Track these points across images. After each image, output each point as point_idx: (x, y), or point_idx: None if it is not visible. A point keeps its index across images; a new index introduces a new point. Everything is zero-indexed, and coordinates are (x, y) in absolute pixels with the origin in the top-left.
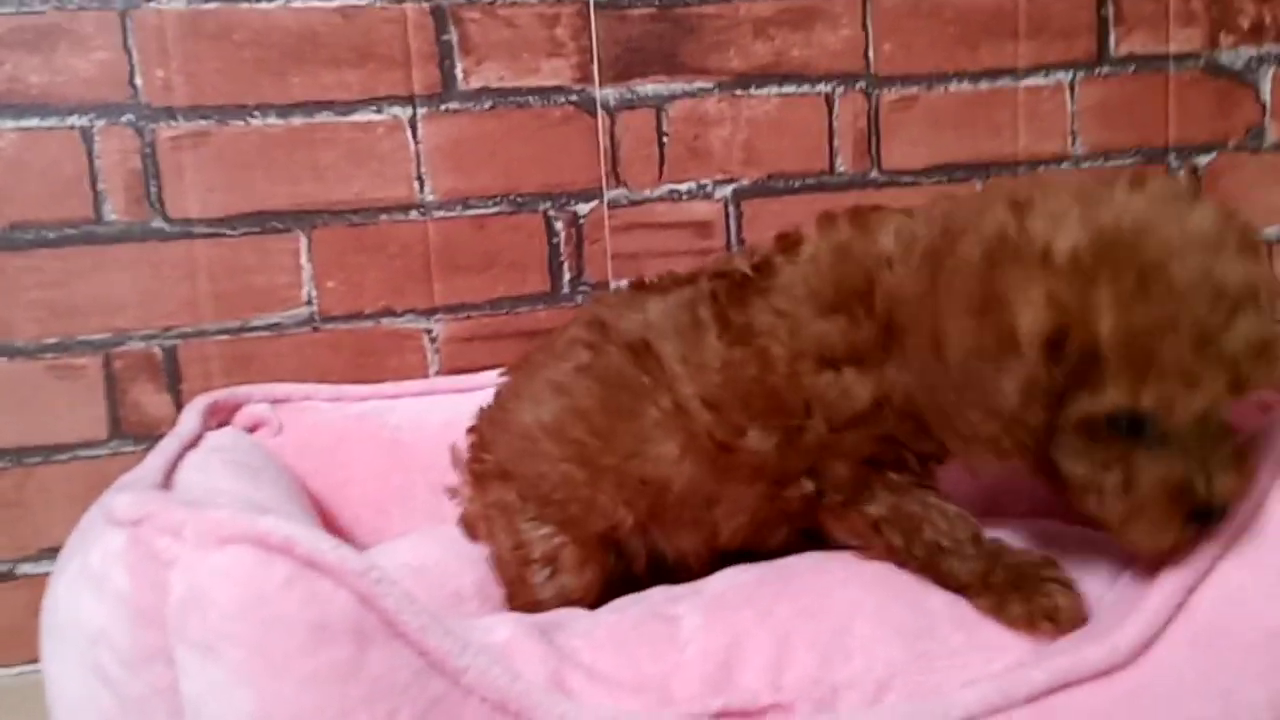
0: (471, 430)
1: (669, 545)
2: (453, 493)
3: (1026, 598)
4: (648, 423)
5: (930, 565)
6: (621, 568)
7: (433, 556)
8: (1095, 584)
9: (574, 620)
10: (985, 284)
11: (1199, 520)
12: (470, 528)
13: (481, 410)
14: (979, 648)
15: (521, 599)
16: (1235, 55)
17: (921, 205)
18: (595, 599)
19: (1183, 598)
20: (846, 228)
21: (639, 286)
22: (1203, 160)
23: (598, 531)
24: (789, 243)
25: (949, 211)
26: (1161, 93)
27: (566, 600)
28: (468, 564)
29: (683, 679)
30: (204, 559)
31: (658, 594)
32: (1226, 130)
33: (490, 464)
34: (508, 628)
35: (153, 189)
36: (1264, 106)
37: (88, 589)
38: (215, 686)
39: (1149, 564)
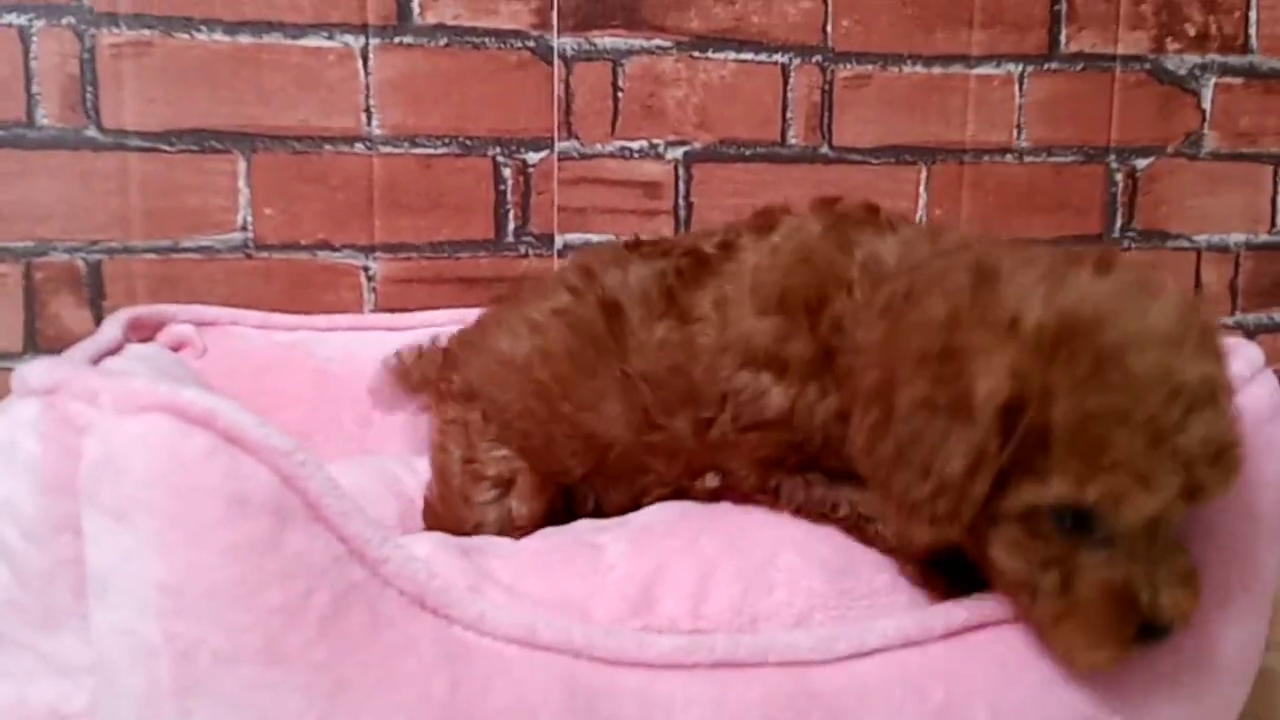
0: (444, 350)
1: (605, 500)
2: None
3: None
4: (604, 381)
5: (856, 529)
6: (567, 510)
7: (357, 483)
8: None
9: (495, 545)
10: (946, 340)
11: (1143, 638)
12: None
13: (457, 333)
14: (902, 589)
15: (454, 515)
16: (1180, 62)
17: (905, 227)
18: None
19: None
20: (819, 231)
21: (632, 246)
22: (1141, 163)
23: (551, 470)
24: (764, 222)
25: (921, 263)
26: (1106, 93)
27: (507, 526)
28: (391, 494)
29: (604, 600)
30: (120, 425)
31: (582, 525)
32: (1166, 135)
33: (456, 384)
34: (428, 544)
35: (89, 96)
36: (1204, 114)
37: None
38: (125, 555)
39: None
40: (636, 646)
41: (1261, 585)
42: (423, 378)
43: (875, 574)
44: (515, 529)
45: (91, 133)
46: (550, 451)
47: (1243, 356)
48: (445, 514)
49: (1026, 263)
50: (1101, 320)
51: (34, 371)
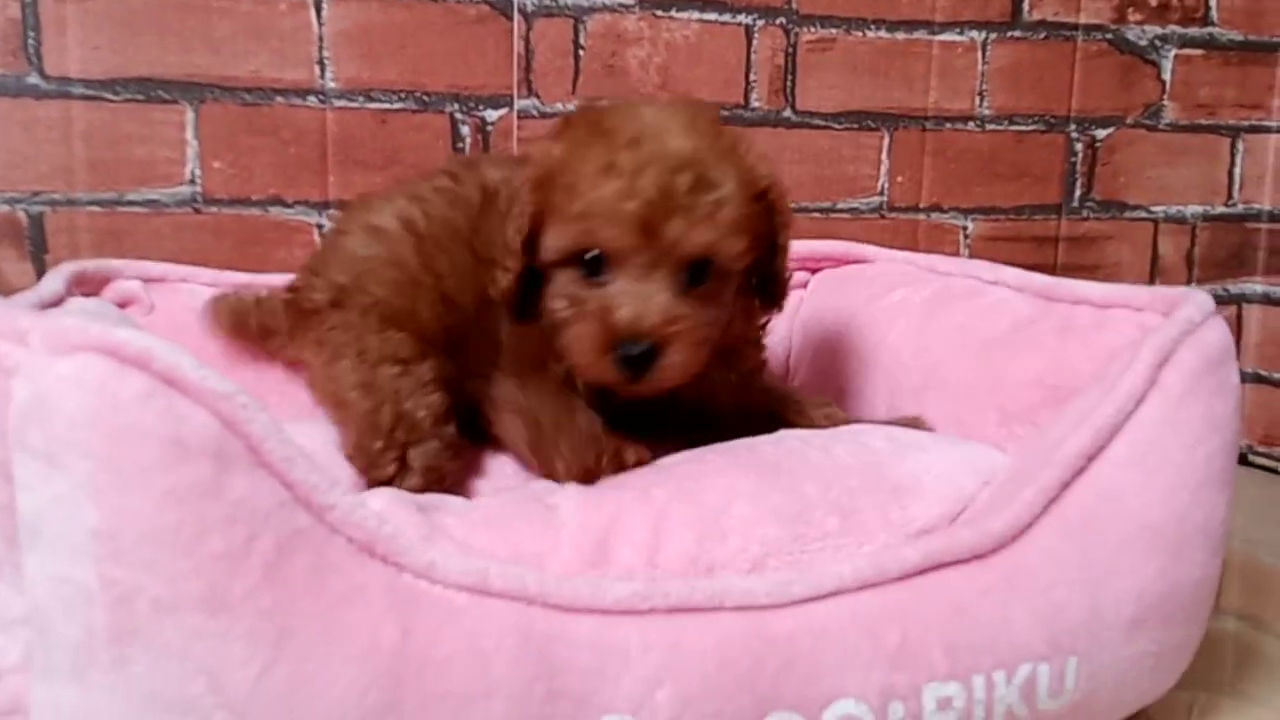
0: (301, 272)
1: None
2: None
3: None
4: (464, 266)
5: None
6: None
7: (312, 446)
8: (970, 481)
9: (449, 502)
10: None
11: (624, 356)
12: None
13: (309, 259)
14: (852, 531)
15: (369, 424)
16: (1141, 32)
17: None
18: (442, 394)
19: (1056, 492)
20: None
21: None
22: (1101, 133)
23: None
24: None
25: None
26: (1068, 62)
27: (421, 387)
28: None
29: (558, 554)
30: (51, 365)
31: (538, 485)
32: (1127, 105)
33: (322, 297)
34: (382, 499)
35: (31, 42)
36: (1164, 85)
37: None
38: (57, 500)
39: None
40: (591, 593)
41: (1212, 526)
42: (263, 326)
43: (826, 516)
44: (425, 388)
45: (34, 80)
46: (412, 316)
47: (1193, 302)
48: (363, 436)
49: None
50: (618, 114)
51: None
